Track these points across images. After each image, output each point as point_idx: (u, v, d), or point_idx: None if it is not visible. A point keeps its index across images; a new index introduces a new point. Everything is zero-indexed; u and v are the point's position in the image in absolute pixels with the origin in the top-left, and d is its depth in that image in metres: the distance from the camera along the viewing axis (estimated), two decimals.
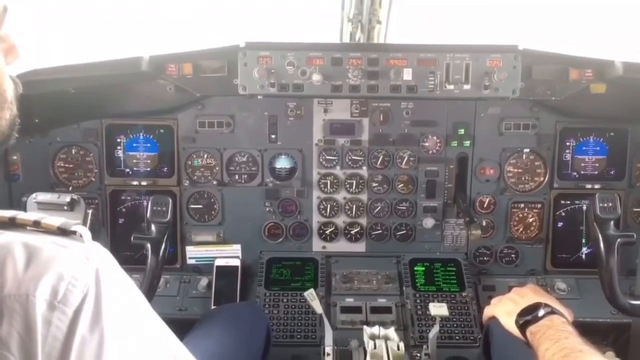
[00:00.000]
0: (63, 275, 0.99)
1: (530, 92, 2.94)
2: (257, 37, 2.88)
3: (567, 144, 3.23)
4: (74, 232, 1.09)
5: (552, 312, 2.04)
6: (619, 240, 2.48)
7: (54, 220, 1.09)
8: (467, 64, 2.84)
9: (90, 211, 2.56)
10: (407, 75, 2.85)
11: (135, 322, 1.11)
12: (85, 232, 1.10)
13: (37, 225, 1.09)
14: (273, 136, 3.22)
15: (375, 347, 2.13)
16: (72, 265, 1.01)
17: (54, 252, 1.02)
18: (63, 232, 1.08)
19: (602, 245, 2.48)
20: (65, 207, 2.37)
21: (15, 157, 3.12)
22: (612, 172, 3.25)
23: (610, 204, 2.49)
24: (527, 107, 3.15)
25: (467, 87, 2.85)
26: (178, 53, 2.89)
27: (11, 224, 1.09)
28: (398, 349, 2.13)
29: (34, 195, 2.42)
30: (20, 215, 1.09)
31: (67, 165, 3.22)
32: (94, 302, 1.01)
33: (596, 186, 3.23)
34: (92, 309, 1.01)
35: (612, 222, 2.49)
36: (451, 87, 2.85)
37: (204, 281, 3.21)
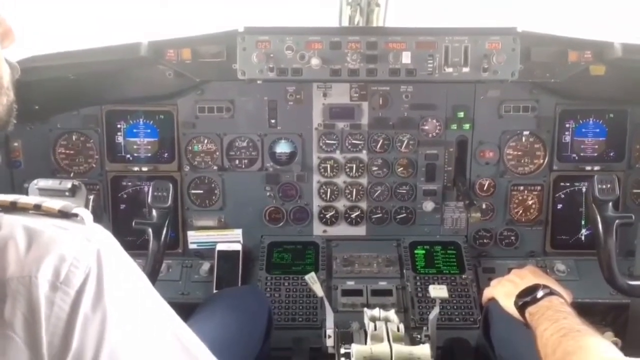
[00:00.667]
0: (65, 257, 1.01)
1: (529, 74, 2.94)
2: (255, 22, 2.87)
3: (567, 126, 3.23)
4: (75, 215, 1.10)
5: (551, 293, 2.06)
6: (617, 221, 2.49)
7: (54, 203, 1.10)
8: (465, 47, 2.83)
9: (91, 197, 2.58)
10: (406, 58, 2.85)
11: (138, 301, 1.13)
12: (86, 214, 1.11)
13: (38, 209, 1.10)
14: (273, 121, 3.22)
15: (375, 329, 2.15)
16: (73, 247, 1.03)
17: (55, 234, 1.03)
18: (64, 214, 1.09)
19: (600, 226, 2.49)
20: (67, 193, 2.38)
21: (16, 144, 3.14)
22: (611, 154, 3.25)
23: (608, 186, 2.50)
24: (527, 90, 3.15)
25: (466, 69, 2.84)
26: (177, 38, 2.89)
27: (12, 208, 1.10)
28: (398, 330, 2.15)
29: (35, 181, 2.44)
30: (21, 199, 1.10)
31: (67, 151, 3.23)
32: (96, 282, 1.03)
33: (596, 168, 3.24)
34: (94, 289, 1.02)
35: (610, 204, 2.51)
36: (450, 70, 2.84)
37: (205, 266, 3.24)
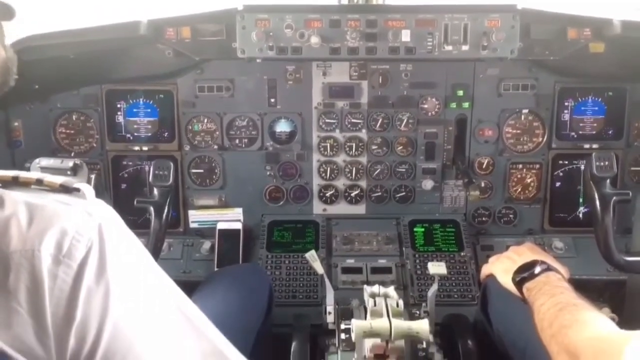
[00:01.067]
0: (67, 231, 1.03)
1: (528, 52, 2.94)
2: (255, 0, 2.87)
3: (566, 104, 3.23)
4: (77, 190, 1.12)
5: (549, 269, 2.09)
6: (614, 198, 2.51)
7: (56, 178, 1.12)
8: (465, 25, 2.83)
9: (93, 176, 2.60)
10: (406, 36, 2.84)
11: (141, 274, 1.15)
12: (87, 189, 1.13)
13: (39, 184, 1.12)
14: (272, 100, 3.23)
15: (375, 305, 2.18)
16: (75, 221, 1.05)
17: (57, 208, 1.05)
18: (65, 189, 1.11)
19: (598, 203, 2.52)
20: (69, 172, 2.40)
21: (16, 124, 3.14)
22: (610, 132, 3.26)
23: (606, 163, 2.52)
24: (526, 68, 3.15)
25: (465, 47, 2.84)
26: (176, 17, 2.88)
27: (14, 183, 1.12)
28: (397, 306, 2.18)
29: (37, 160, 2.46)
30: (22, 174, 1.12)
31: (68, 131, 3.24)
32: (98, 255, 1.05)
33: (594, 146, 3.25)
34: (96, 262, 1.05)
35: (608, 181, 2.53)
36: (449, 47, 2.84)
37: (206, 244, 3.26)
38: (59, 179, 1.12)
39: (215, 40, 2.92)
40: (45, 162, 2.44)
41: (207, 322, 1.28)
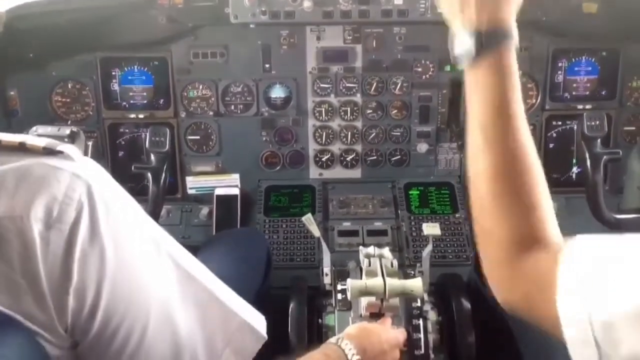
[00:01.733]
0: (55, 195, 1.02)
1: (521, 12, 2.92)
2: None
3: (559, 65, 3.24)
4: (61, 152, 1.09)
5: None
6: (605, 157, 2.55)
7: (39, 140, 1.08)
8: None
9: (90, 143, 2.62)
10: None
11: (134, 229, 1.16)
12: (72, 150, 1.11)
13: (22, 147, 1.08)
14: (267, 65, 3.23)
15: (370, 265, 2.24)
16: (63, 184, 1.04)
17: (43, 172, 1.04)
18: (49, 152, 1.08)
19: (589, 162, 2.55)
20: (66, 140, 2.42)
21: (12, 93, 3.15)
22: (603, 92, 3.28)
23: (597, 122, 2.55)
24: (520, 28, 3.14)
25: None
26: None
27: (21, 149, 1.08)
28: (392, 266, 2.23)
29: (34, 128, 2.47)
30: (3, 137, 1.08)
31: (64, 99, 3.25)
32: (89, 216, 1.05)
33: (587, 106, 3.27)
34: (87, 224, 1.04)
35: (599, 140, 2.56)
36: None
37: (205, 210, 3.30)
38: (42, 142, 1.07)
39: (208, 6, 2.91)
40: (42, 129, 2.45)
41: (208, 275, 1.31)
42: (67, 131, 2.43)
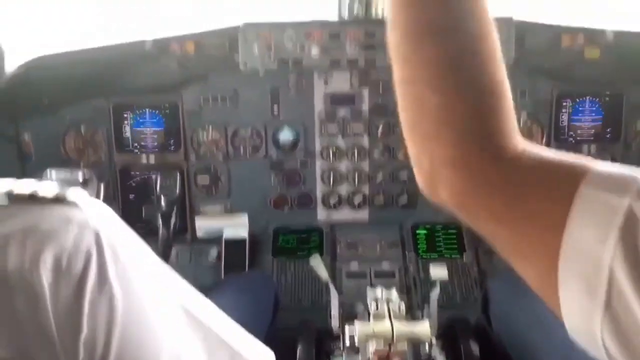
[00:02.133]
0: (63, 245, 1.03)
1: (524, 60, 2.99)
2: (257, 17, 2.96)
3: (563, 108, 3.29)
4: (71, 200, 1.10)
5: None
6: None
7: (49, 190, 1.09)
8: None
9: (102, 186, 2.67)
10: None
11: (144, 274, 1.16)
12: (80, 195, 1.12)
13: (33, 198, 1.08)
14: (275, 109, 3.30)
15: (377, 308, 2.24)
16: (71, 234, 1.05)
17: (52, 223, 1.05)
18: (59, 201, 1.09)
19: None
20: (79, 184, 2.48)
21: (26, 138, 3.22)
22: (607, 135, 3.31)
23: None
24: (523, 74, 3.21)
25: None
26: (180, 35, 2.97)
27: (31, 200, 1.09)
28: (399, 309, 2.24)
29: (48, 171, 2.54)
30: (16, 188, 1.08)
31: (77, 143, 3.31)
32: (97, 265, 1.05)
33: (592, 148, 3.30)
34: (95, 272, 1.05)
35: None
36: None
37: (214, 251, 3.32)
38: (52, 190, 1.08)
39: (219, 54, 3.00)
40: (55, 174, 2.53)
41: (220, 320, 1.31)
42: (80, 175, 2.50)
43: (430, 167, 1.06)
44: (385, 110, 3.29)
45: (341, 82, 3.26)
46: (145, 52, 2.90)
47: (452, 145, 1.00)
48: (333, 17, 3.07)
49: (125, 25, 3.60)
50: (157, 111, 3.31)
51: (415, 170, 1.12)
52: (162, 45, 2.93)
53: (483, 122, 0.98)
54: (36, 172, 2.79)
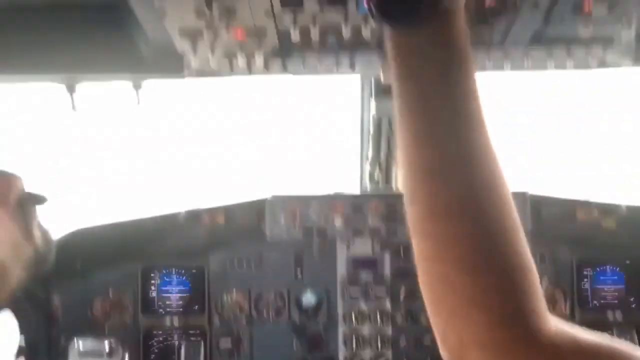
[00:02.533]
0: None
1: (541, 231, 3.07)
2: (283, 189, 3.13)
3: (585, 277, 3.31)
4: None
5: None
6: None
7: None
8: None
9: (127, 353, 2.69)
10: None
11: None
12: None
13: None
14: (299, 272, 3.36)
15: None
16: None
17: None
18: None
19: None
20: (106, 354, 2.52)
21: (55, 301, 3.28)
22: (631, 300, 3.30)
23: (627, 338, 2.55)
24: (542, 242, 3.26)
25: None
26: (211, 208, 3.14)
27: None
28: None
29: (75, 343, 2.58)
30: None
31: (104, 306, 3.36)
32: None
33: (617, 314, 3.27)
34: None
35: None
36: None
37: None
38: None
39: (247, 224, 3.13)
40: (82, 345, 2.57)
41: None
42: (106, 346, 2.54)
43: (458, 346, 1.03)
44: (407, 274, 3.33)
45: (363, 247, 3.34)
46: (178, 221, 3.04)
47: (482, 327, 0.98)
48: (355, 189, 3.24)
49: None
50: (184, 276, 3.38)
51: (440, 343, 1.08)
52: (194, 216, 3.08)
53: (514, 303, 0.97)
54: (62, 335, 2.84)
